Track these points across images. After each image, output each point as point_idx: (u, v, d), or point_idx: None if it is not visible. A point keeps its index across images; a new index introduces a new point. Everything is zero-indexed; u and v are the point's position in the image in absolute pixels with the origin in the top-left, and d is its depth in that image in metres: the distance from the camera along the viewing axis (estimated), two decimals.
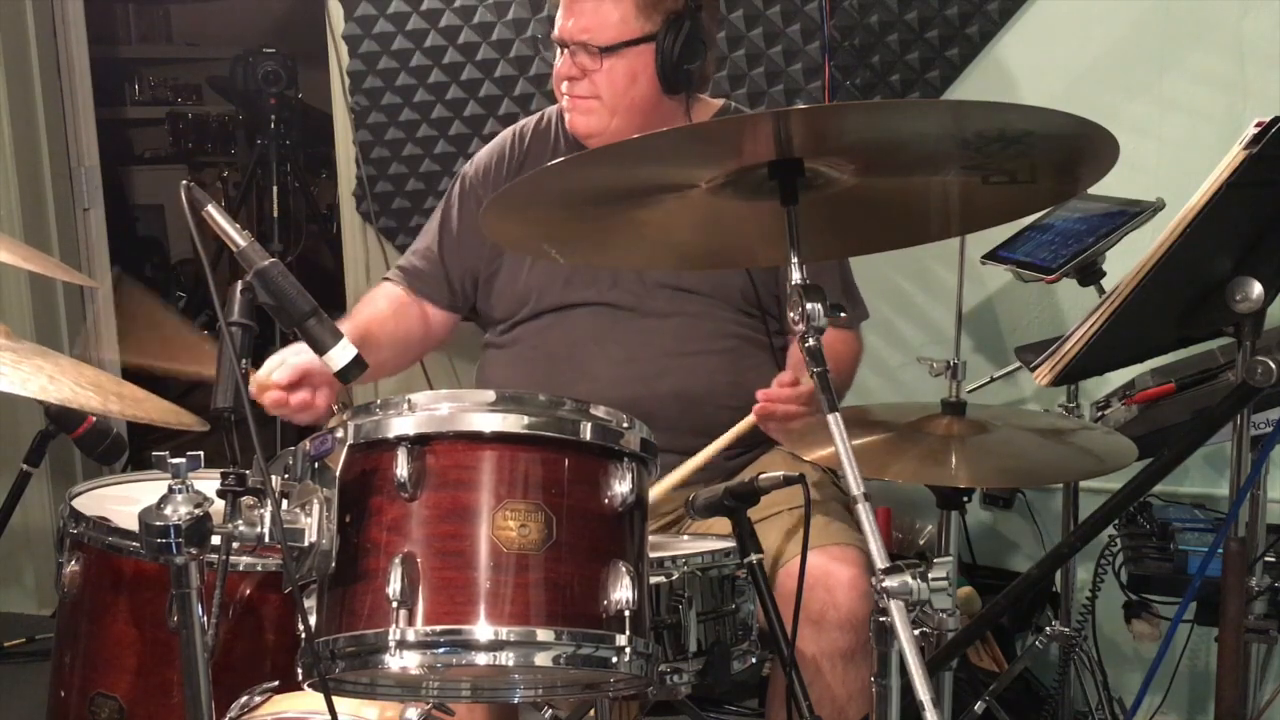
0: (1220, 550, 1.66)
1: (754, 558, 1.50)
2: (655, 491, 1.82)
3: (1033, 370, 1.61)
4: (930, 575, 1.23)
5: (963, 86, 2.74)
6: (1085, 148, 1.36)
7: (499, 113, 2.88)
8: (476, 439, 1.26)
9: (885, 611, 1.23)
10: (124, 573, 1.72)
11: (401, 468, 1.23)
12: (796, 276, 1.35)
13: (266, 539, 1.21)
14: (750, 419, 1.88)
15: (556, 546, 1.24)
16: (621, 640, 1.25)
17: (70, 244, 3.56)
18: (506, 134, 2.29)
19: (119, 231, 3.85)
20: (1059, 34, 2.66)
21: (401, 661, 1.21)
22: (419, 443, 1.25)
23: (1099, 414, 2.22)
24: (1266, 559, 1.94)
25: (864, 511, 1.24)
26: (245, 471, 1.20)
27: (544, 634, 1.22)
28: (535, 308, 2.17)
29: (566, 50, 2.05)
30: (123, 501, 1.83)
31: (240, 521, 1.20)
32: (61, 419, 2.09)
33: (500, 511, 1.23)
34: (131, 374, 1.81)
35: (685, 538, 1.81)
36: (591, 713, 1.74)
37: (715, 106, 2.21)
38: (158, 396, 1.74)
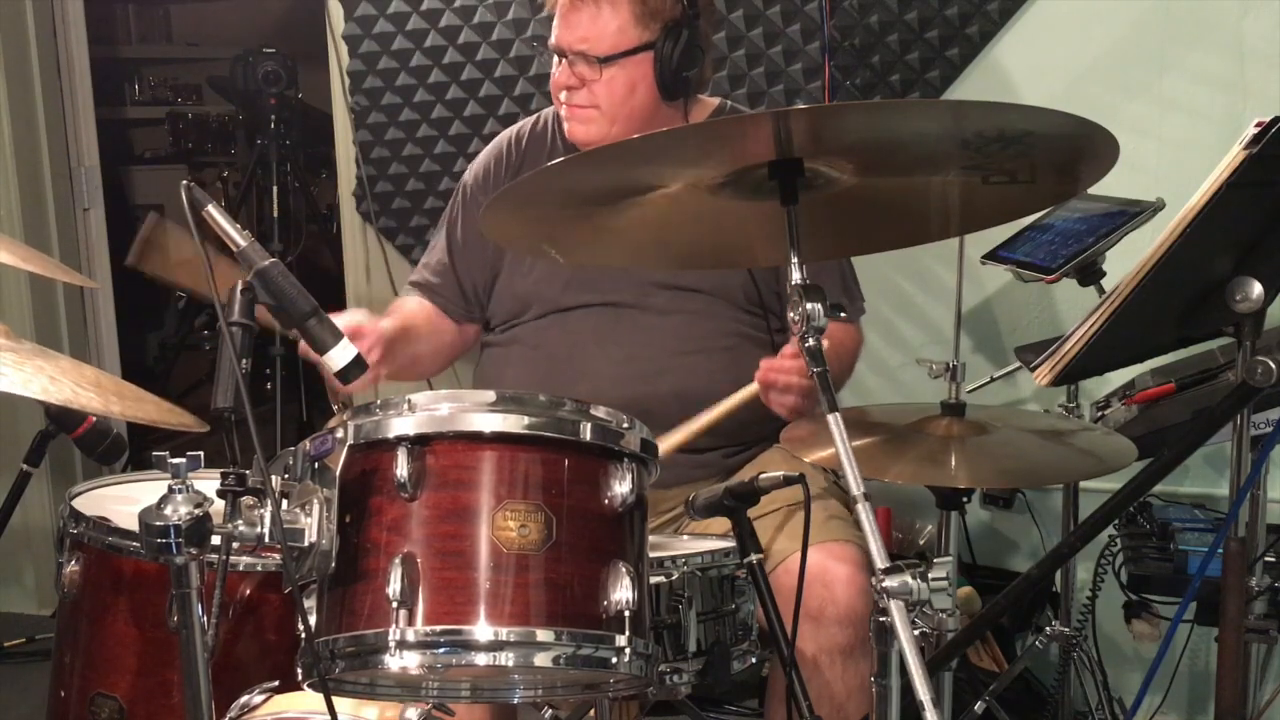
0: (1220, 550, 1.66)
1: (754, 558, 1.50)
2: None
3: (1033, 370, 1.61)
4: (930, 575, 1.23)
5: (963, 86, 2.74)
6: (1085, 148, 1.36)
7: (499, 113, 2.88)
8: (476, 439, 1.26)
9: (885, 611, 1.23)
10: (124, 573, 1.72)
11: (401, 468, 1.23)
12: (796, 276, 1.35)
13: (266, 539, 1.21)
14: (753, 387, 1.88)
15: (556, 547, 1.24)
16: (621, 640, 1.25)
17: (70, 244, 3.56)
18: (502, 138, 2.29)
19: (119, 231, 3.84)
20: (1059, 34, 2.66)
21: (401, 661, 1.21)
22: (419, 443, 1.25)
23: (1099, 414, 2.22)
24: (1266, 559, 1.94)
25: (864, 511, 1.24)
26: (245, 471, 1.20)
27: (544, 634, 1.22)
28: (534, 309, 2.17)
29: (565, 59, 2.05)
30: (123, 501, 1.83)
31: (240, 521, 1.20)
32: (61, 419, 2.09)
33: (500, 512, 1.24)
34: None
35: (685, 538, 1.81)
36: (591, 713, 1.74)
37: (711, 105, 2.21)
38: (157, 397, 1.74)
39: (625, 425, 1.31)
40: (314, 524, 1.24)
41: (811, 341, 1.32)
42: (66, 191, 3.55)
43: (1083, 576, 2.43)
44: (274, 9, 4.97)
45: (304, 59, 4.17)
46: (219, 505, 1.20)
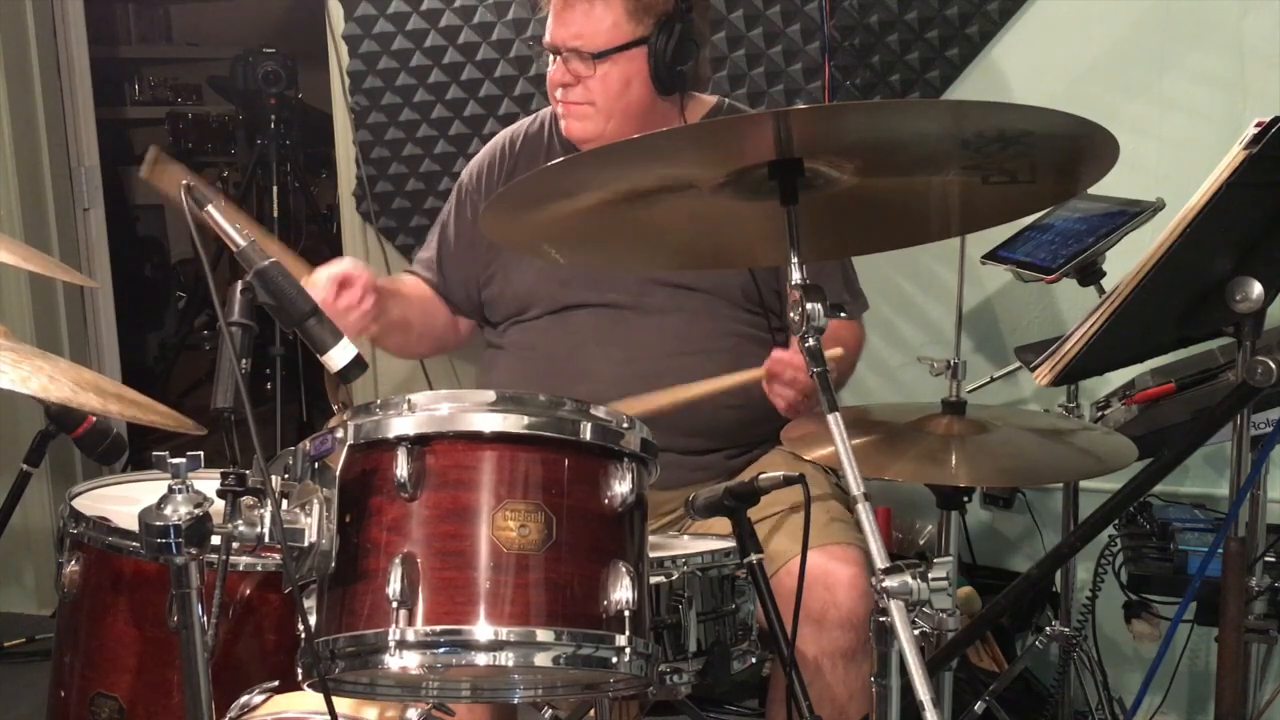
0: (1220, 550, 1.66)
1: (754, 558, 1.50)
2: (641, 406, 1.83)
3: (1033, 370, 1.61)
4: (930, 575, 1.23)
5: (963, 86, 2.74)
6: (1085, 148, 1.36)
7: (499, 113, 2.88)
8: (477, 439, 1.26)
9: (885, 611, 1.23)
10: (124, 573, 1.72)
11: (401, 468, 1.23)
12: (796, 276, 1.35)
13: (266, 539, 1.21)
14: (757, 372, 1.88)
15: (556, 547, 1.24)
16: (621, 640, 1.25)
17: (70, 244, 3.56)
18: (498, 139, 2.30)
19: (119, 231, 3.85)
20: (1059, 34, 2.66)
21: (401, 661, 1.21)
22: (419, 443, 1.25)
23: (1099, 414, 2.22)
24: (1266, 559, 1.94)
25: (864, 511, 1.24)
26: (245, 471, 1.20)
27: (544, 634, 1.22)
28: (532, 309, 2.17)
29: (559, 57, 2.05)
30: (123, 501, 1.83)
31: (240, 521, 1.20)
32: (61, 419, 2.09)
33: (500, 512, 1.24)
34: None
35: (685, 538, 1.81)
36: (591, 713, 1.74)
37: (709, 104, 2.21)
38: (155, 401, 1.74)
39: (625, 425, 1.31)
40: (314, 524, 1.24)
41: (811, 341, 1.32)
42: (66, 191, 3.55)
43: (1083, 576, 2.43)
44: (274, 9, 4.97)
45: (304, 59, 4.17)
46: (219, 505, 1.20)
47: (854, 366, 2.20)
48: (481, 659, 1.21)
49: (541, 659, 1.22)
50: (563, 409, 1.29)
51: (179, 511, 1.16)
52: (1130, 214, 2.08)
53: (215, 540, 1.18)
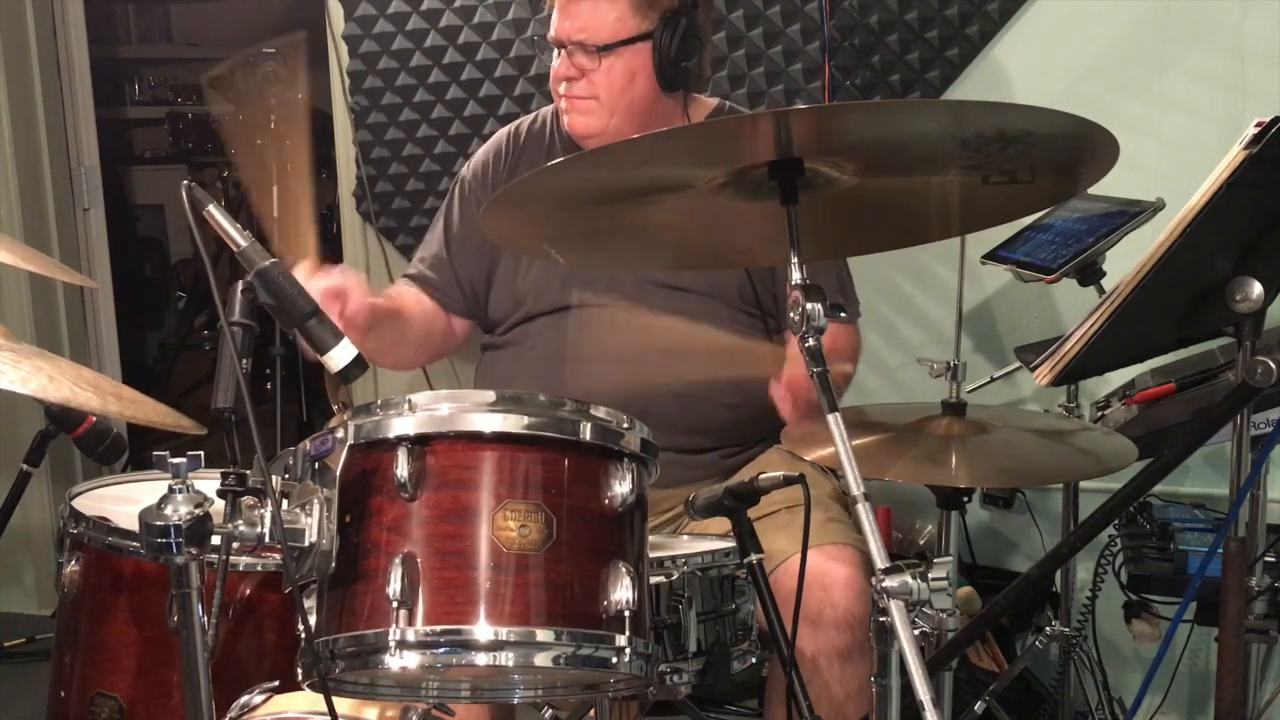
0: (1220, 550, 1.66)
1: (754, 558, 1.50)
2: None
3: (1033, 370, 1.61)
4: (930, 575, 1.23)
5: (963, 86, 2.74)
6: (1085, 148, 1.36)
7: (499, 113, 2.88)
8: (477, 439, 1.26)
9: (885, 611, 1.23)
10: (124, 573, 1.72)
11: (402, 468, 1.23)
12: (796, 276, 1.35)
13: (266, 539, 1.21)
14: (770, 378, 1.87)
15: (556, 547, 1.24)
16: (621, 640, 1.25)
17: (70, 244, 3.56)
18: (501, 135, 2.29)
19: (119, 231, 3.85)
20: (1059, 34, 2.66)
21: (401, 661, 1.21)
22: (419, 443, 1.25)
23: (1099, 414, 2.22)
24: (1266, 559, 1.94)
25: (864, 511, 1.24)
26: (245, 471, 1.20)
27: (544, 634, 1.22)
28: (531, 309, 2.17)
29: (563, 51, 2.05)
30: (123, 501, 1.83)
31: (240, 521, 1.20)
32: (61, 419, 2.09)
33: (500, 512, 1.24)
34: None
35: (685, 538, 1.81)
36: (591, 713, 1.74)
37: (710, 106, 2.21)
38: (155, 400, 1.74)
39: (625, 425, 1.32)
40: (314, 524, 1.24)
41: (811, 341, 1.32)
42: (66, 191, 3.55)
43: (1083, 576, 2.43)
44: (274, 9, 4.97)
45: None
46: (219, 505, 1.20)
47: (852, 376, 2.19)
48: (481, 659, 1.21)
49: (541, 659, 1.22)
50: (563, 409, 1.29)
51: (179, 511, 1.16)
52: (1130, 214, 2.08)
53: (215, 540, 1.18)
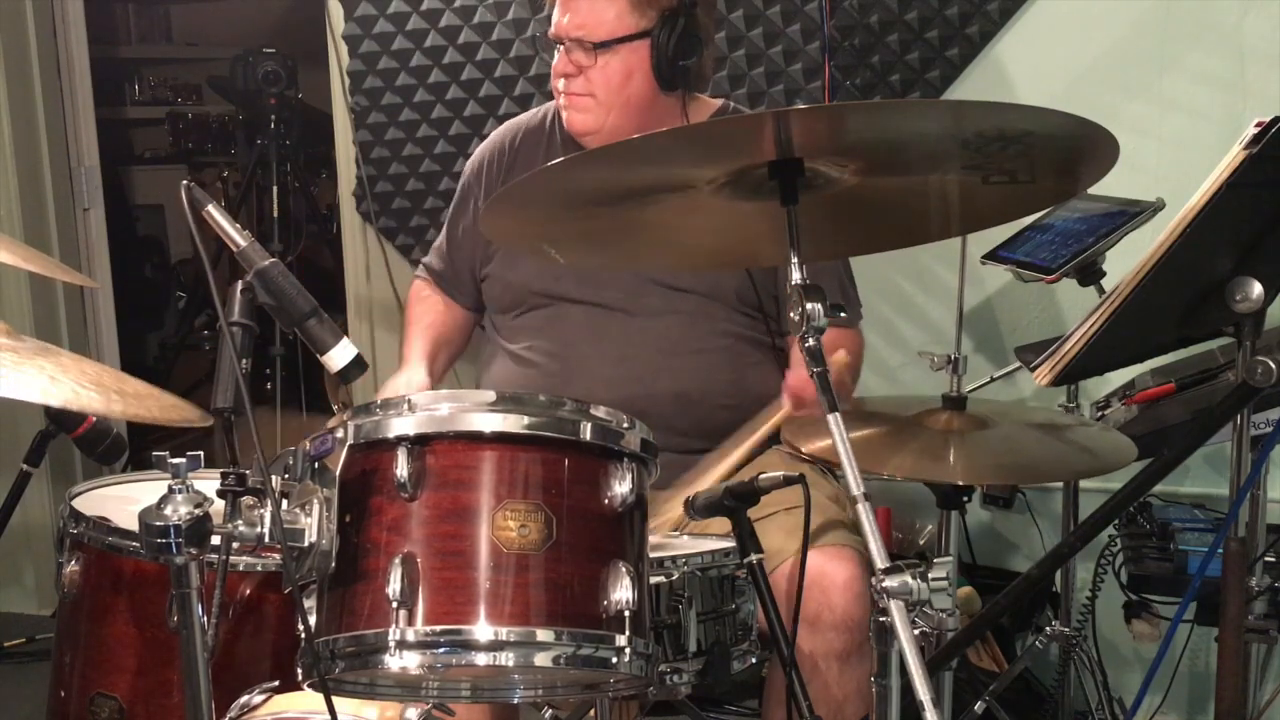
0: (1220, 550, 1.66)
1: (754, 558, 1.50)
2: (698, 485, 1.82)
3: (1033, 370, 1.61)
4: (930, 575, 1.23)
5: (963, 86, 2.74)
6: (1085, 148, 1.36)
7: (499, 113, 2.88)
8: (477, 439, 1.26)
9: (885, 611, 1.23)
10: (124, 573, 1.72)
11: (401, 468, 1.23)
12: (796, 276, 1.35)
13: (266, 539, 1.21)
14: (783, 412, 1.88)
15: (556, 547, 1.24)
16: (621, 640, 1.25)
17: (70, 244, 3.56)
18: (501, 131, 2.31)
19: (119, 231, 3.84)
20: (1059, 34, 2.66)
21: (401, 661, 1.21)
22: (419, 443, 1.25)
23: (1099, 414, 2.22)
24: (1266, 559, 1.94)
25: (864, 511, 1.24)
26: (245, 471, 1.20)
27: (544, 634, 1.22)
28: (529, 301, 2.18)
29: (562, 47, 2.06)
30: (123, 501, 1.83)
31: (240, 521, 1.20)
32: (61, 419, 2.09)
33: (500, 512, 1.24)
34: None
35: (685, 538, 1.81)
36: (591, 713, 1.74)
37: (714, 106, 2.21)
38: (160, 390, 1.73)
39: (625, 425, 1.32)
40: (314, 524, 1.24)
41: (811, 341, 1.32)
42: (66, 191, 3.55)
43: (1083, 576, 2.43)
44: (274, 9, 4.97)
45: (304, 59, 4.17)
46: (219, 505, 1.20)
47: (857, 377, 2.19)
48: (481, 659, 1.21)
49: (541, 659, 1.22)
50: (563, 409, 1.29)
51: (179, 511, 1.16)
52: (1130, 214, 2.08)
53: (215, 540, 1.18)
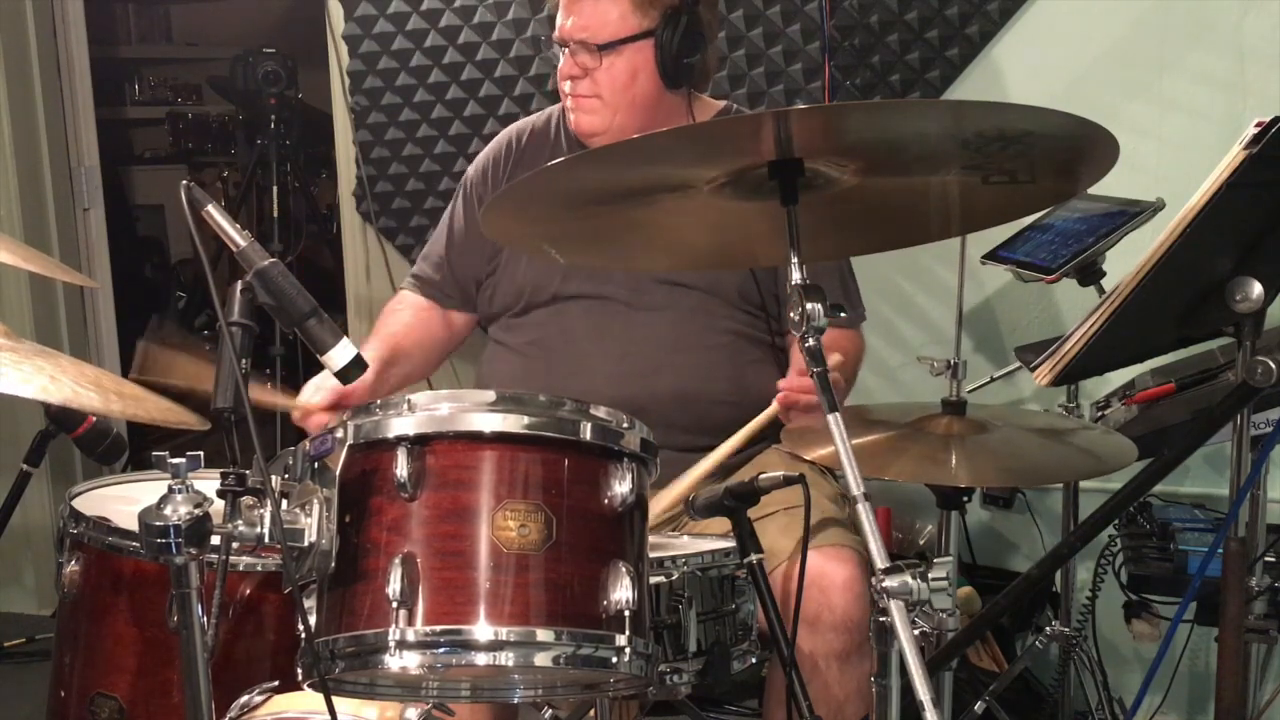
0: (1220, 550, 1.66)
1: (754, 558, 1.50)
2: (674, 492, 1.82)
3: (1033, 370, 1.61)
4: (930, 575, 1.23)
5: (963, 86, 2.74)
6: (1085, 148, 1.36)
7: (499, 113, 2.88)
8: (476, 439, 1.26)
9: (885, 611, 1.23)
10: (124, 573, 1.72)
11: (401, 468, 1.23)
12: (796, 276, 1.35)
13: (266, 539, 1.20)
14: (772, 409, 1.88)
15: (556, 547, 1.24)
16: (621, 640, 1.25)
17: (70, 244, 3.56)
18: (505, 134, 2.30)
19: (119, 231, 3.85)
20: (1059, 34, 2.66)
21: (401, 661, 1.21)
22: (419, 443, 1.25)
23: (1099, 414, 2.22)
24: (1266, 559, 1.94)
25: (864, 511, 1.24)
26: (245, 471, 1.20)
27: (544, 634, 1.22)
28: (531, 300, 2.17)
29: (567, 50, 2.06)
30: (123, 501, 1.83)
31: (240, 521, 1.20)
32: (61, 419, 2.09)
33: (500, 512, 1.24)
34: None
35: (685, 538, 1.81)
36: (591, 713, 1.74)
37: (716, 107, 2.22)
38: (158, 394, 1.74)
39: (625, 425, 1.31)
40: (314, 524, 1.24)
41: (811, 341, 1.32)
42: (66, 191, 3.55)
43: (1083, 576, 2.43)
44: (274, 9, 4.97)
45: (304, 59, 4.17)
46: (219, 505, 1.20)
47: (855, 377, 2.19)
48: (481, 659, 1.21)
49: (541, 659, 1.22)
50: (563, 409, 1.29)
51: (179, 511, 1.16)
52: (1130, 214, 2.08)
53: (215, 540, 1.18)
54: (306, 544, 1.24)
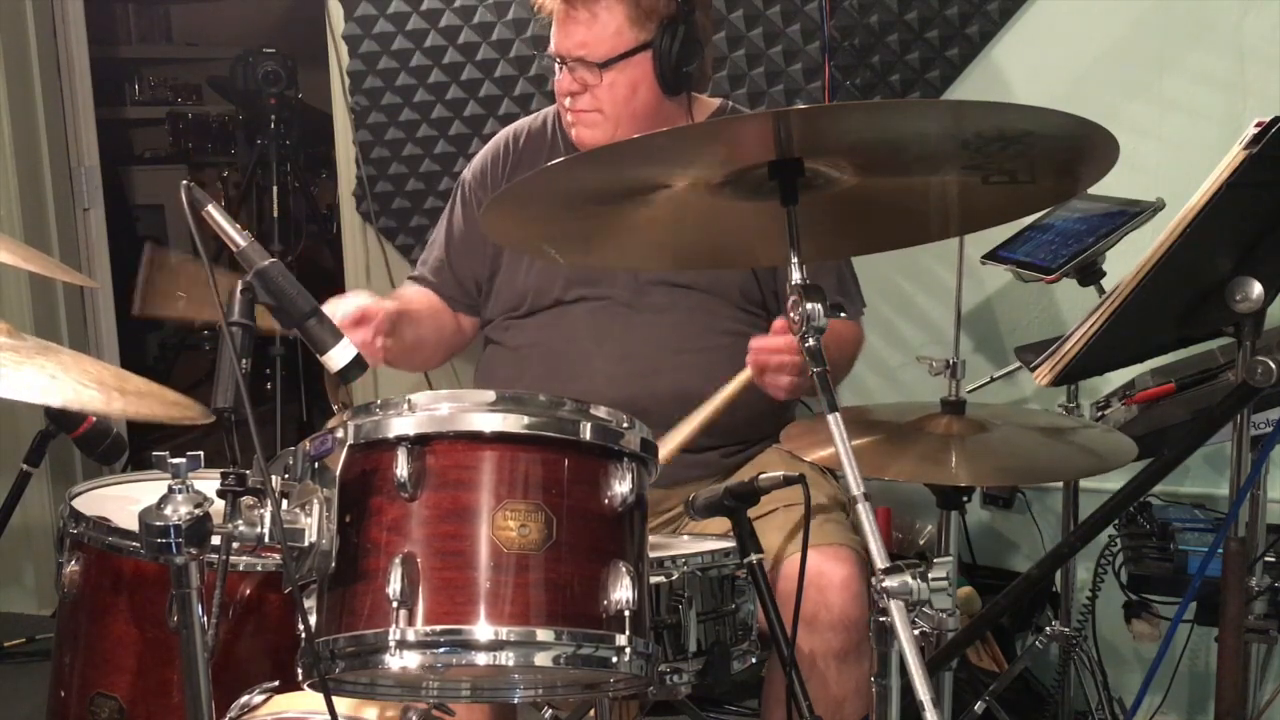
0: (1220, 550, 1.66)
1: (754, 558, 1.50)
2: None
3: (1033, 370, 1.61)
4: (930, 575, 1.23)
5: (963, 86, 2.74)
6: (1085, 148, 1.36)
7: (499, 113, 2.88)
8: (477, 439, 1.26)
9: (885, 611, 1.23)
10: (124, 573, 1.72)
11: (401, 468, 1.23)
12: (796, 276, 1.35)
13: (266, 539, 1.20)
14: (745, 373, 1.87)
15: (556, 546, 1.24)
16: (621, 640, 1.25)
17: (70, 244, 3.56)
18: (502, 136, 2.30)
19: (119, 231, 3.84)
20: (1059, 34, 2.66)
21: (401, 661, 1.21)
22: (419, 443, 1.25)
23: (1099, 414, 2.22)
24: (1266, 559, 1.94)
25: (864, 511, 1.24)
26: (245, 471, 1.20)
27: (544, 634, 1.22)
28: (533, 305, 2.17)
29: (565, 66, 2.05)
30: (123, 501, 1.83)
31: (240, 521, 1.20)
32: (61, 419, 2.09)
33: (500, 511, 1.24)
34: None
35: (685, 538, 1.81)
36: (591, 713, 1.74)
37: (713, 106, 2.22)
38: (161, 387, 1.73)
39: (625, 425, 1.31)
40: (314, 524, 1.24)
41: (811, 341, 1.32)
42: (66, 191, 3.55)
43: (1083, 576, 2.43)
44: (274, 9, 4.97)
45: (304, 59, 4.17)
46: (219, 505, 1.20)
47: (851, 365, 2.20)
48: (481, 659, 1.21)
49: (541, 659, 1.22)
50: (563, 409, 1.29)
51: (179, 511, 1.16)
52: (1130, 214, 2.08)
53: (215, 540, 1.18)
54: (306, 544, 1.24)
